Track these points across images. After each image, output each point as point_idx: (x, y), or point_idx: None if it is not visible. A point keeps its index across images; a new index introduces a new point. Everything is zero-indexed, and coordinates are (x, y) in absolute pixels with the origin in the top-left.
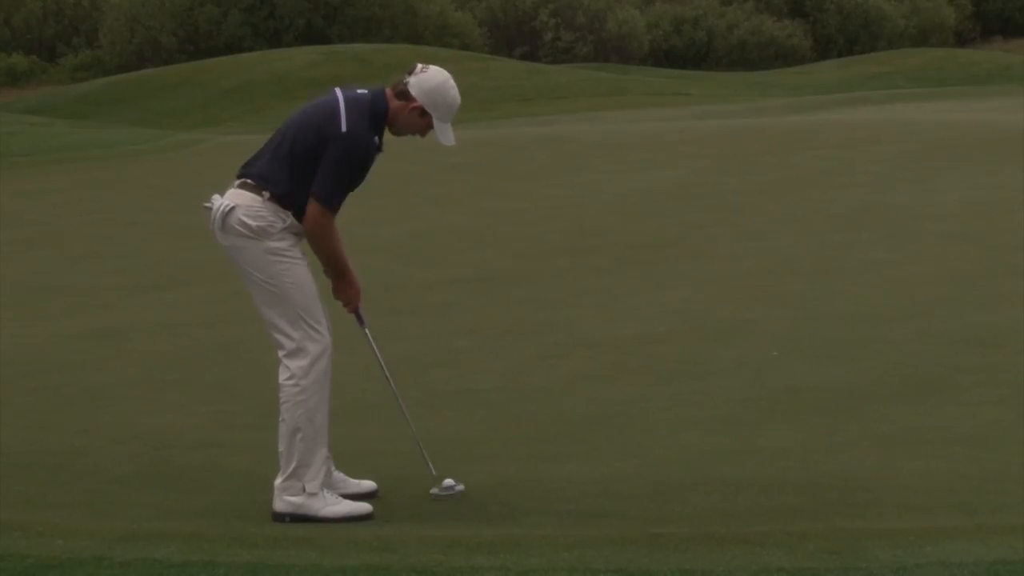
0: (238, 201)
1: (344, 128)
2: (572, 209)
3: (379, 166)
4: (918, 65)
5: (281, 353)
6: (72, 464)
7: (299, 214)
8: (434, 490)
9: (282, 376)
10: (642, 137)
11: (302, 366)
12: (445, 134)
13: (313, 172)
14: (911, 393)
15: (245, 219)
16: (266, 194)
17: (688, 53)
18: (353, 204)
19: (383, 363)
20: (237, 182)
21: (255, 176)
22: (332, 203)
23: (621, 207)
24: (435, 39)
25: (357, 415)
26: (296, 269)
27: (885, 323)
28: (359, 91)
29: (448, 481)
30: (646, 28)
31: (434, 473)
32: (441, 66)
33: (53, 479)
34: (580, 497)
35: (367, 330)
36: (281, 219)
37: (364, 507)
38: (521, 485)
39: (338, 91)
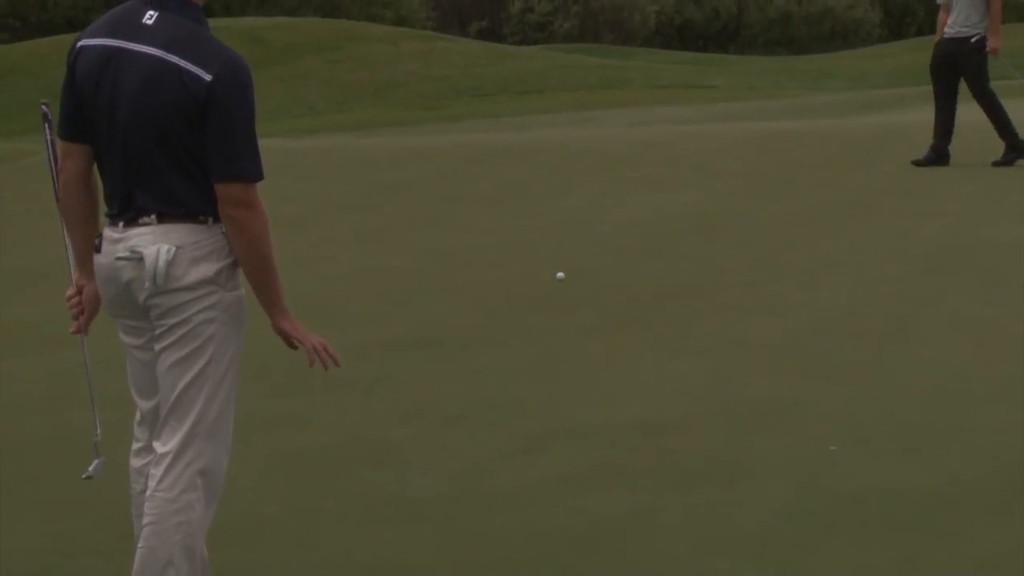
0: (180, 240)
1: (208, 77)
2: (551, 246)
3: (287, 192)
4: None
5: (167, 447)
6: None
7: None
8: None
9: (155, 481)
10: (647, 146)
11: (194, 472)
12: None
13: (205, 160)
14: (1021, 501)
15: (199, 263)
16: (208, 219)
17: (710, 30)
18: None
19: None
20: (151, 217)
21: (172, 204)
22: (259, 170)
23: (619, 243)
24: (359, 11)
25: (245, 531)
26: (241, 334)
27: (983, 404)
28: (147, 22)
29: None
30: None
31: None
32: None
33: None
34: None
35: None
36: (230, 252)
37: None
38: None
39: (140, 49)
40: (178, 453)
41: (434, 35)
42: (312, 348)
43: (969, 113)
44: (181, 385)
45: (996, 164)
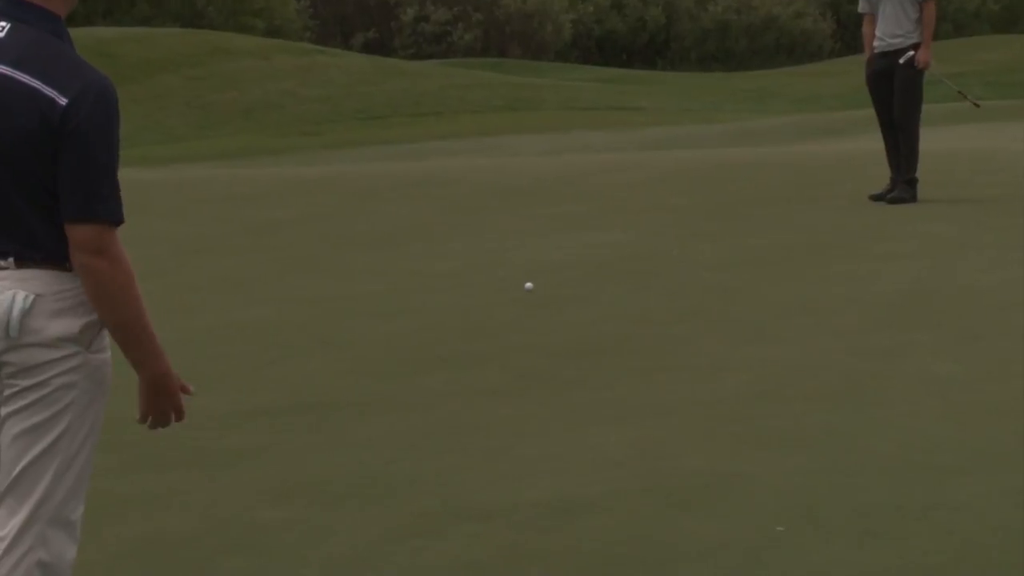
0: (41, 288)
1: (63, 100)
2: (451, 294)
3: (141, 232)
4: (1002, 63)
5: (3, 530)
6: None
7: None
8: None
9: None
10: (563, 179)
11: (33, 562)
12: None
13: (57, 198)
14: None
15: (61, 317)
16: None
17: (636, 43)
18: None
19: None
20: (9, 260)
21: (32, 246)
22: (117, 211)
23: (531, 291)
24: (224, 20)
25: None
26: (103, 405)
27: (953, 478)
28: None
29: None
30: (568, 2)
31: None
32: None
33: None
34: None
35: None
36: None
37: None
38: None
39: None
40: (16, 538)
41: (313, 48)
42: (158, 413)
43: (931, 141)
44: (27, 459)
45: (883, 199)
